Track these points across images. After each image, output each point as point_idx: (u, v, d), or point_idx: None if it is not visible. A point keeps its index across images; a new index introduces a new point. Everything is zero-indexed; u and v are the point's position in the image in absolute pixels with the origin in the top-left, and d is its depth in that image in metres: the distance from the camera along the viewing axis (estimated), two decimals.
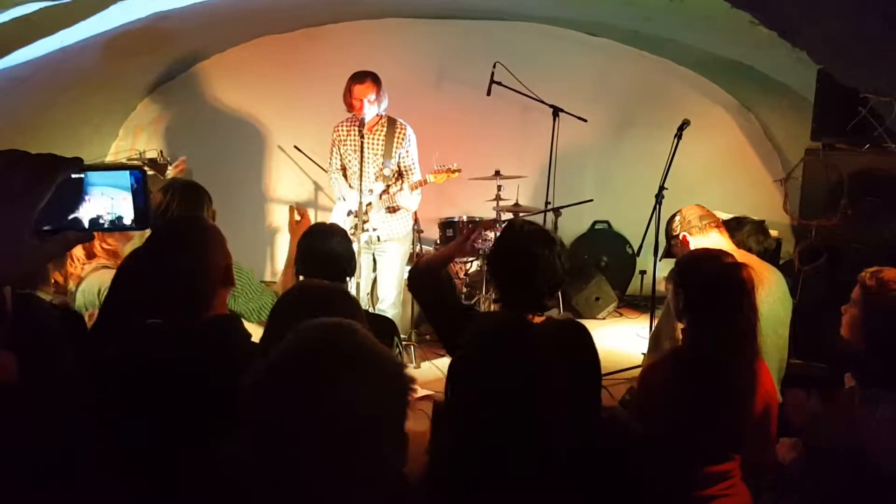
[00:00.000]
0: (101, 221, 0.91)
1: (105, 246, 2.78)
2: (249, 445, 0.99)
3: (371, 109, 4.20)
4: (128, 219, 0.92)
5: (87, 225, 0.90)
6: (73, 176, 0.88)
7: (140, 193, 0.92)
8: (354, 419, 0.97)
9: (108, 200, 0.91)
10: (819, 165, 3.87)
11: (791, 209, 4.00)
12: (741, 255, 2.63)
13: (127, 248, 2.79)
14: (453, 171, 4.45)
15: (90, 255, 2.78)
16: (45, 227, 0.86)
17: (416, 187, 4.40)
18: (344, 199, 4.47)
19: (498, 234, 5.02)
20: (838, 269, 3.55)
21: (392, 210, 4.44)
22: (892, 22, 1.97)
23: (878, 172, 3.60)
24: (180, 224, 2.04)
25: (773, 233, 4.59)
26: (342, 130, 4.43)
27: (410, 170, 4.44)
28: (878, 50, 2.22)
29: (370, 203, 4.33)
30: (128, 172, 0.92)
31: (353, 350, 1.04)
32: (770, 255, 3.69)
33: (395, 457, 1.03)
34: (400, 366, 1.07)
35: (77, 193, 0.89)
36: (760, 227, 3.54)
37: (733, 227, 3.45)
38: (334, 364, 1.01)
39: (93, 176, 0.90)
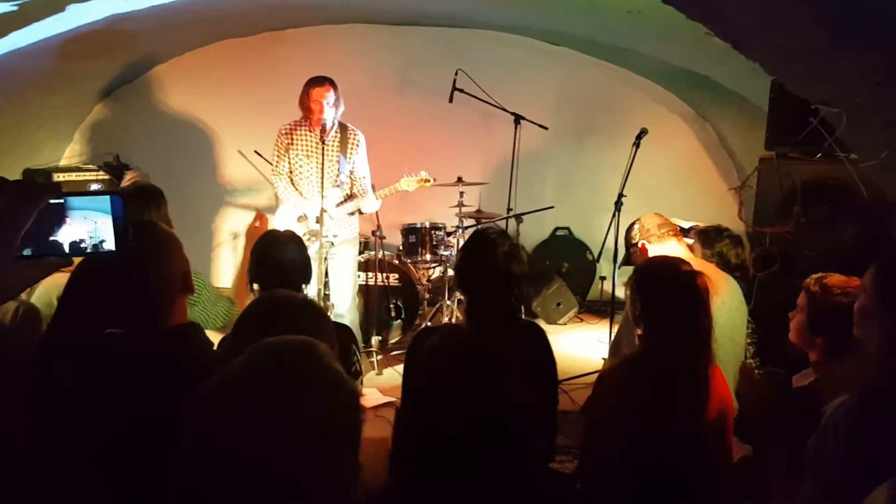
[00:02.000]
0: (82, 246, 0.90)
1: None
2: (189, 465, 0.96)
3: (329, 113, 4.17)
4: (109, 243, 0.92)
5: (67, 249, 0.90)
6: (53, 201, 0.88)
7: (121, 218, 0.92)
8: (301, 446, 0.94)
9: (90, 224, 0.90)
10: (773, 174, 3.95)
11: (746, 216, 4.09)
12: (697, 264, 2.68)
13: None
14: (426, 181, 4.44)
15: None
16: (26, 253, 0.85)
17: (388, 195, 4.40)
18: (299, 205, 4.43)
19: (462, 241, 5.05)
20: (792, 275, 3.63)
21: (352, 214, 4.42)
22: (841, 34, 2.03)
23: (830, 181, 3.69)
24: (134, 231, 1.99)
25: None
26: (296, 133, 4.36)
27: (363, 177, 4.43)
28: (827, 62, 2.29)
29: (325, 209, 4.30)
30: (108, 197, 0.92)
31: (306, 375, 1.00)
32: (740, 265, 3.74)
33: (344, 485, 0.99)
34: (353, 393, 1.03)
35: (57, 218, 0.89)
36: (739, 239, 3.60)
37: (713, 237, 3.49)
38: (284, 389, 0.97)
39: (73, 201, 0.90)
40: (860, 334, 1.62)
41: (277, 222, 4.39)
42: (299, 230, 4.21)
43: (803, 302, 2.30)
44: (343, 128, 4.36)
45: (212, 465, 0.93)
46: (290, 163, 4.38)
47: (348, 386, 1.02)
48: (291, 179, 4.41)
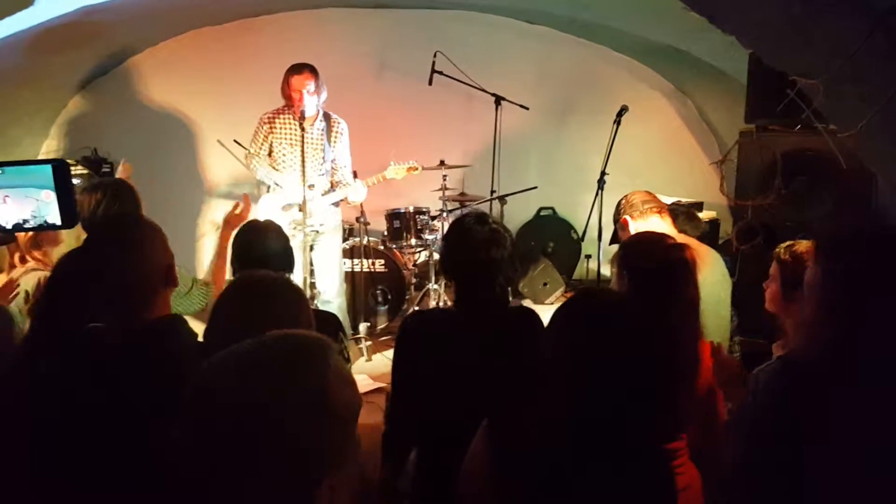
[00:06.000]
0: (25, 225, 0.88)
1: (37, 255, 2.69)
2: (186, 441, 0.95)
3: (311, 101, 4.14)
4: (54, 218, 0.88)
5: (9, 226, 0.87)
6: None
7: (65, 189, 0.89)
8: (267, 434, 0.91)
9: (31, 202, 0.87)
10: (753, 147, 3.97)
11: (728, 190, 4.11)
12: (681, 239, 2.69)
13: (57, 252, 2.70)
14: (414, 169, 4.44)
15: (23, 261, 2.69)
16: None
17: (375, 184, 4.40)
18: (279, 188, 4.40)
19: (447, 225, 5.04)
20: (774, 247, 3.65)
21: (337, 204, 4.41)
22: (813, 5, 2.03)
23: (808, 152, 3.71)
24: (118, 223, 1.97)
25: (711, 214, 4.72)
26: (278, 121, 4.34)
27: (344, 166, 4.42)
28: (801, 33, 2.29)
29: (312, 198, 4.29)
30: (49, 167, 0.88)
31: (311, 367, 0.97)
32: (709, 236, 3.78)
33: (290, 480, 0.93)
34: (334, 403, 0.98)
35: None
36: (692, 213, 3.63)
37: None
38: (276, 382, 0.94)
39: (11, 173, 0.86)
40: (804, 302, 1.63)
41: (261, 211, 4.37)
42: (284, 219, 4.19)
43: (775, 271, 2.33)
44: (327, 117, 4.35)
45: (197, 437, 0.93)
46: (271, 150, 4.37)
47: (332, 395, 0.97)
48: (275, 167, 4.40)
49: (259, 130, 4.38)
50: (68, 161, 4.55)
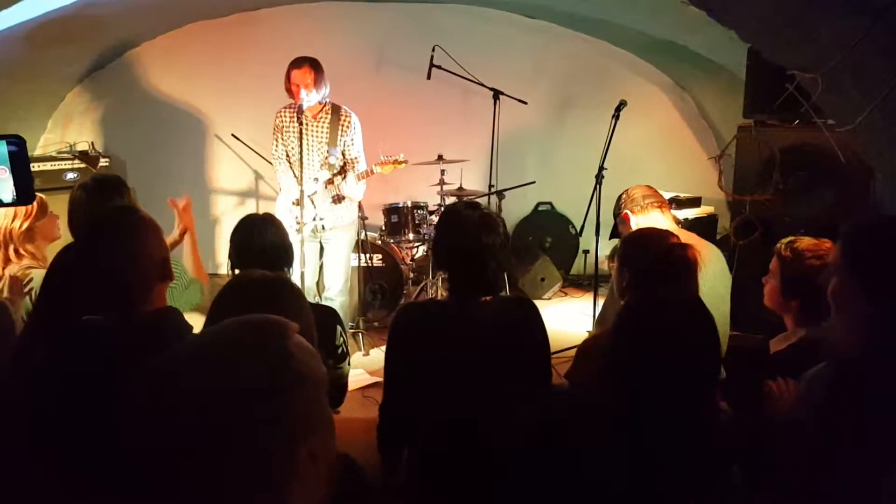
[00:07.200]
0: None
1: (30, 249, 2.67)
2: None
3: (310, 96, 4.13)
4: (6, 195, 0.87)
5: None
6: None
7: (20, 165, 0.87)
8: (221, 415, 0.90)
9: None
10: (751, 142, 3.96)
11: (726, 185, 4.09)
12: (683, 235, 2.68)
13: (52, 247, 2.68)
14: (400, 163, 4.43)
15: (18, 255, 2.66)
16: None
17: (363, 178, 4.37)
18: (288, 188, 4.41)
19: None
20: (772, 242, 3.65)
21: (337, 199, 4.40)
22: None
23: (807, 147, 3.70)
24: (112, 217, 1.97)
25: (709, 209, 4.72)
26: (284, 117, 4.35)
27: (356, 159, 4.40)
28: (800, 27, 2.29)
29: (315, 192, 4.28)
30: (3, 143, 0.86)
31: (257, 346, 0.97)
32: (706, 231, 3.76)
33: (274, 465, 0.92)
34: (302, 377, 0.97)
35: None
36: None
37: None
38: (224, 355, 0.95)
39: None
40: (836, 308, 1.59)
41: (278, 210, 4.37)
42: (292, 215, 4.18)
43: (775, 267, 2.32)
44: (336, 109, 4.33)
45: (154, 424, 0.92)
46: (285, 146, 4.38)
47: (303, 369, 0.96)
48: (290, 163, 4.41)
49: (274, 128, 4.40)
50: (68, 155, 4.52)
